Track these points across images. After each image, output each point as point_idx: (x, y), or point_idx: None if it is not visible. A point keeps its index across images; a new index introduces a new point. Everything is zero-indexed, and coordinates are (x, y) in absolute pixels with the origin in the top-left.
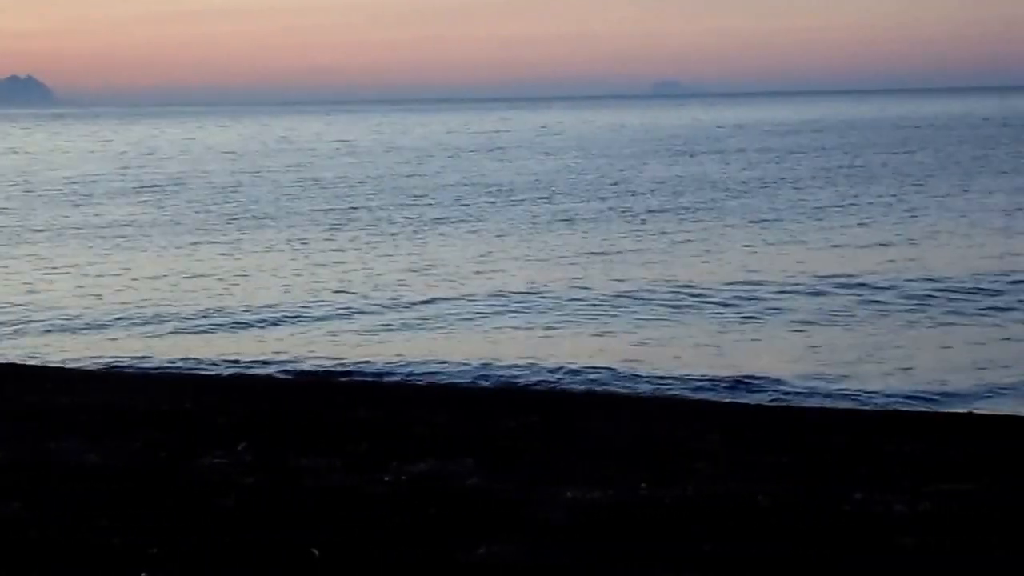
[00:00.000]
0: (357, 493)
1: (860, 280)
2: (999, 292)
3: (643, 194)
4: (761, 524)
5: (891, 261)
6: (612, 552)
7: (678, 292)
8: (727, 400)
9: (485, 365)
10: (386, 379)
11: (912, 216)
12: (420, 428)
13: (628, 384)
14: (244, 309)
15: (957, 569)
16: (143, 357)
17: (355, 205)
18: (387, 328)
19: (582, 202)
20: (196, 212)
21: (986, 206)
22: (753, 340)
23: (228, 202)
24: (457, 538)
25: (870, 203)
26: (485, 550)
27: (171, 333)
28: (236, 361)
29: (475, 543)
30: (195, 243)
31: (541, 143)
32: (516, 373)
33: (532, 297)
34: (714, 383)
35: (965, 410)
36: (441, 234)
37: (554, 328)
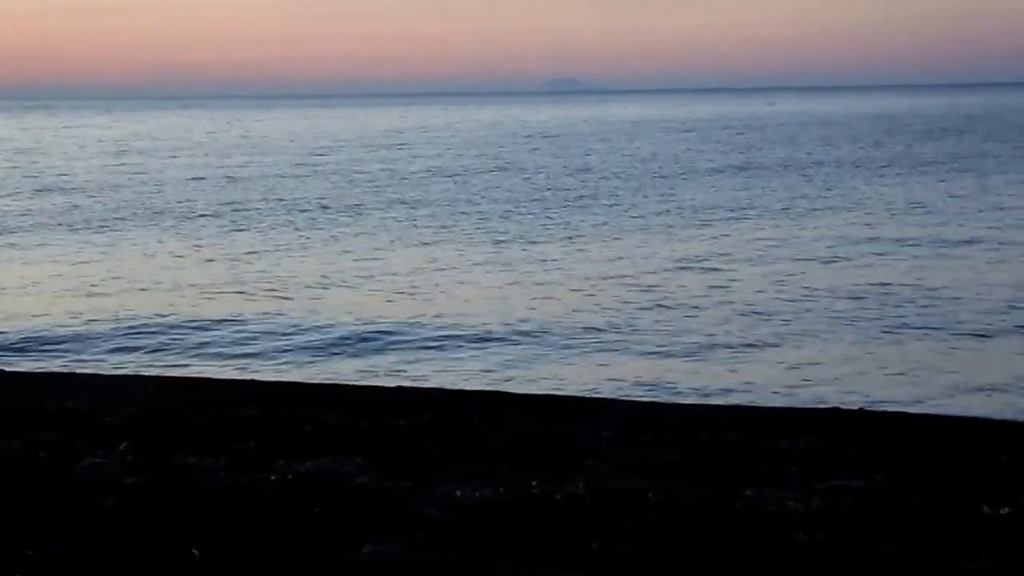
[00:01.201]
0: (242, 492)
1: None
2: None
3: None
4: (651, 522)
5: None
6: (499, 550)
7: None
8: (619, 397)
9: (376, 363)
10: (276, 377)
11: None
12: (309, 427)
13: (520, 383)
14: (127, 308)
15: (847, 566)
16: (27, 356)
17: (238, 203)
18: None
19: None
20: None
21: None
22: (646, 337)
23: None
24: (342, 537)
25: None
26: (370, 549)
27: (57, 329)
28: (122, 360)
29: (360, 542)
30: (76, 240)
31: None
32: (409, 371)
33: (416, 294)
34: (607, 380)
35: (858, 407)
36: (334, 236)
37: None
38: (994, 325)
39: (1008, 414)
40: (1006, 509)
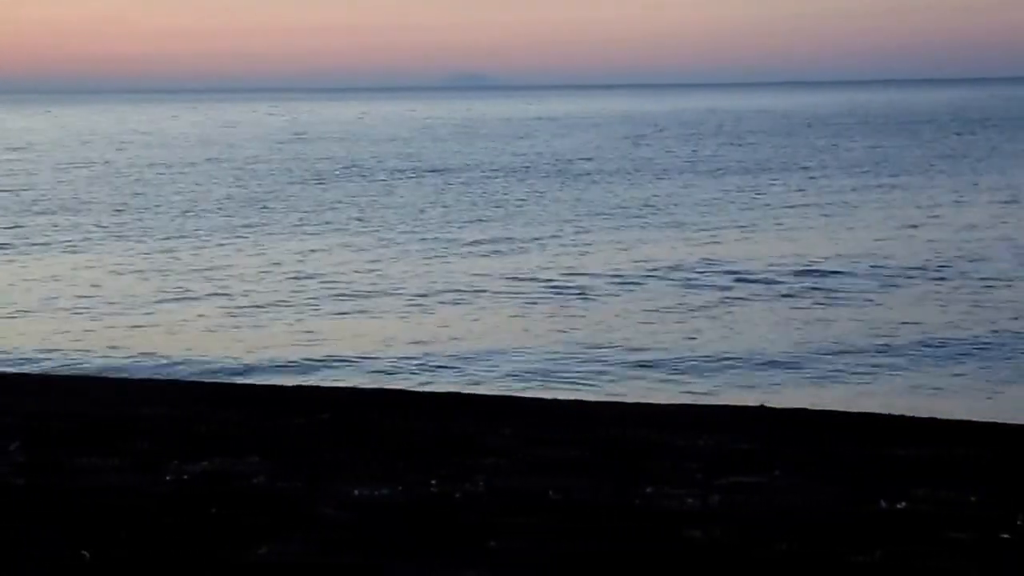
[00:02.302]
0: (135, 493)
1: (655, 271)
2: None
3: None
4: (550, 519)
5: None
6: (396, 550)
7: (460, 288)
8: (521, 395)
9: (272, 361)
10: (171, 375)
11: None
12: (206, 426)
13: (422, 380)
14: (12, 303)
15: (743, 563)
16: None
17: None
18: (174, 323)
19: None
20: None
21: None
22: (548, 334)
23: None
24: (237, 538)
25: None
26: (266, 550)
27: None
28: (11, 358)
29: (256, 543)
30: None
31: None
32: (307, 370)
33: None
34: (511, 378)
35: (757, 403)
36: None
37: (340, 323)
38: (899, 331)
39: (904, 410)
40: (902, 504)
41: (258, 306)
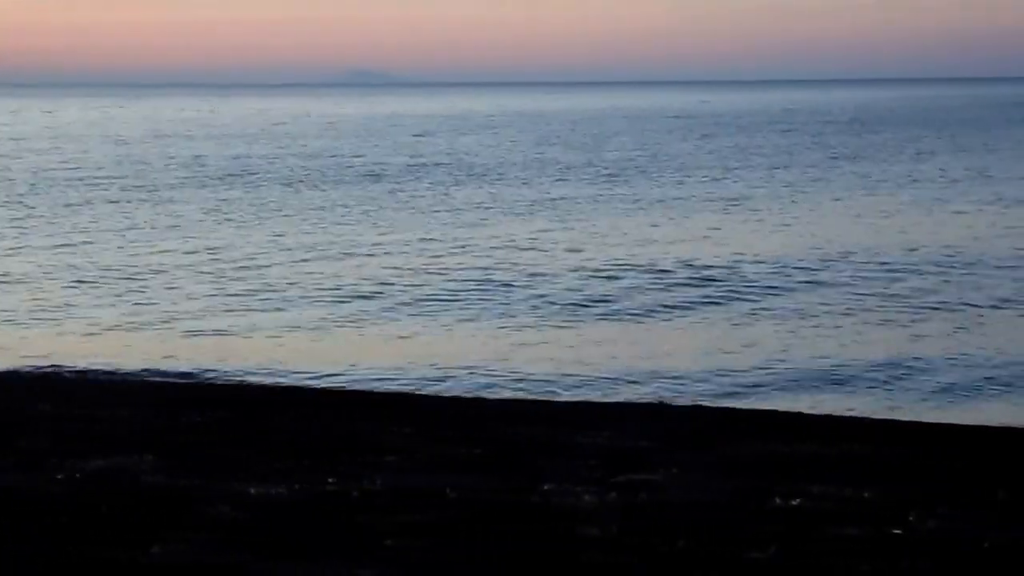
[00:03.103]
0: (27, 492)
1: (555, 273)
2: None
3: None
4: (448, 518)
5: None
6: (290, 549)
7: (358, 285)
8: (420, 393)
9: (172, 358)
10: (67, 373)
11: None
12: (101, 424)
13: (319, 378)
14: None
15: (639, 559)
16: None
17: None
18: (70, 321)
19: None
20: None
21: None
22: (448, 331)
23: None
24: (130, 537)
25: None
26: (159, 549)
27: None
28: None
29: (148, 542)
30: None
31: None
32: (205, 367)
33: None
34: (408, 374)
35: (656, 400)
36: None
37: (243, 319)
38: (804, 320)
39: (803, 407)
40: (797, 501)
41: (141, 304)
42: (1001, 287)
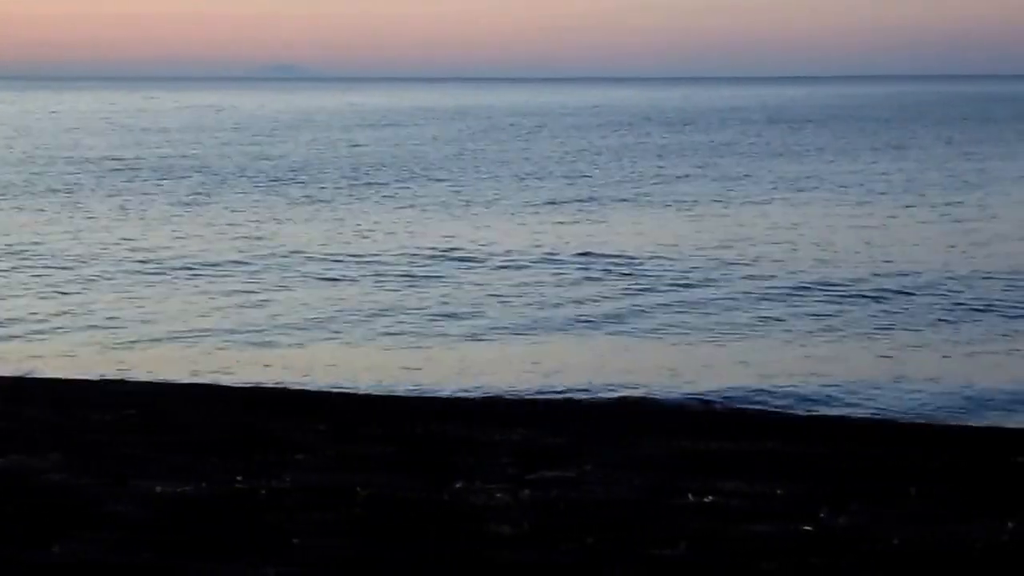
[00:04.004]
0: None
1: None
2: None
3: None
4: (357, 516)
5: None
6: (195, 548)
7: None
8: (334, 390)
9: (76, 357)
10: None
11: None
12: (6, 422)
13: (232, 375)
14: None
15: (549, 557)
16: None
17: None
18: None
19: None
20: None
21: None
22: (368, 329)
23: None
24: (31, 537)
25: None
26: (59, 549)
27: None
28: None
29: (50, 542)
30: None
31: None
32: (115, 364)
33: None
34: (326, 373)
35: (567, 397)
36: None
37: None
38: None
39: (717, 403)
40: (710, 498)
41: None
42: (869, 281)
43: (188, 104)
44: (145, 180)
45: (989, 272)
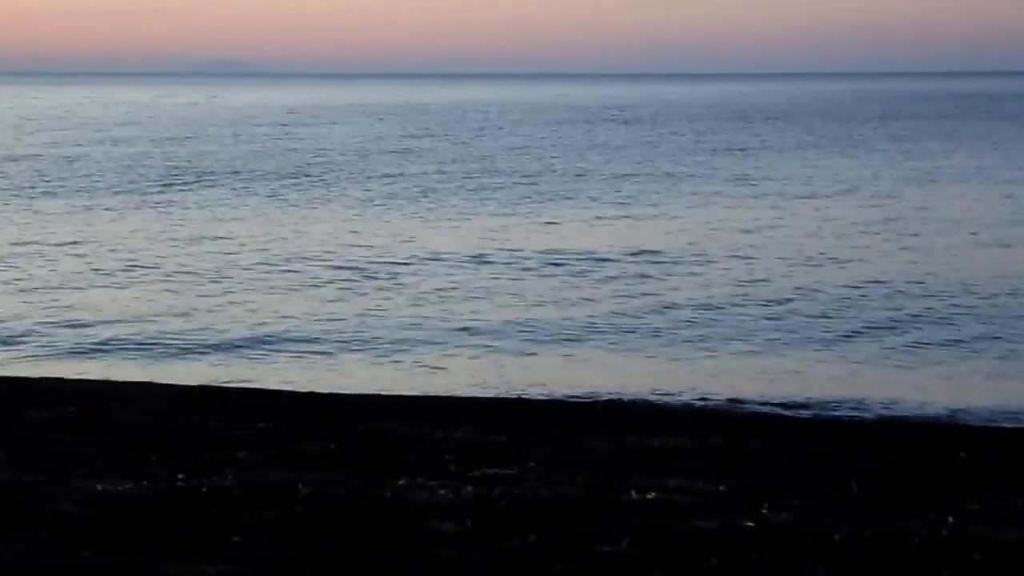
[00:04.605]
0: None
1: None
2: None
3: None
4: (298, 514)
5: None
6: (134, 546)
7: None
8: (278, 389)
9: (18, 351)
10: None
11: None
12: None
13: (175, 373)
14: None
15: (490, 554)
16: None
17: None
18: None
19: None
20: None
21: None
22: (308, 326)
23: None
24: None
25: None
26: None
27: None
28: None
29: None
30: None
31: None
32: (55, 362)
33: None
34: (270, 372)
35: (510, 396)
36: None
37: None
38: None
39: (662, 400)
40: (652, 494)
41: None
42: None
43: (117, 101)
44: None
45: (928, 273)
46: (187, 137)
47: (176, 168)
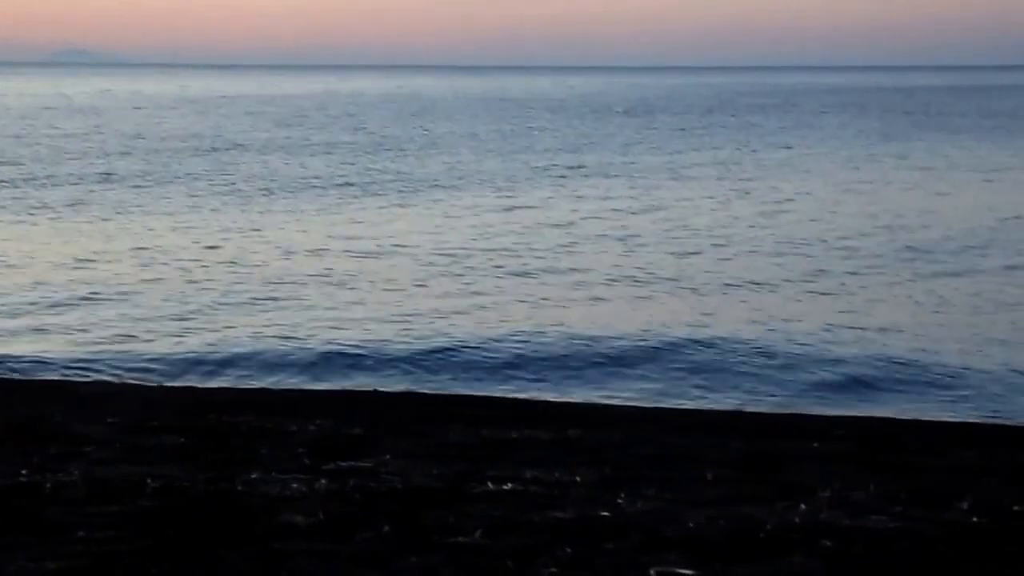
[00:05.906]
0: None
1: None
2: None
3: None
4: (145, 508)
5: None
6: None
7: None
8: (130, 382)
9: None
10: None
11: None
12: None
13: (16, 366)
14: None
15: (340, 546)
16: None
17: None
18: None
19: None
20: None
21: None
22: (154, 324)
23: None
24: None
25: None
26: None
27: None
28: None
29: None
30: None
31: None
32: None
33: None
34: (119, 364)
35: (371, 388)
36: None
37: None
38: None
39: (525, 395)
40: (508, 485)
41: None
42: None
43: None
44: None
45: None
46: None
47: None
